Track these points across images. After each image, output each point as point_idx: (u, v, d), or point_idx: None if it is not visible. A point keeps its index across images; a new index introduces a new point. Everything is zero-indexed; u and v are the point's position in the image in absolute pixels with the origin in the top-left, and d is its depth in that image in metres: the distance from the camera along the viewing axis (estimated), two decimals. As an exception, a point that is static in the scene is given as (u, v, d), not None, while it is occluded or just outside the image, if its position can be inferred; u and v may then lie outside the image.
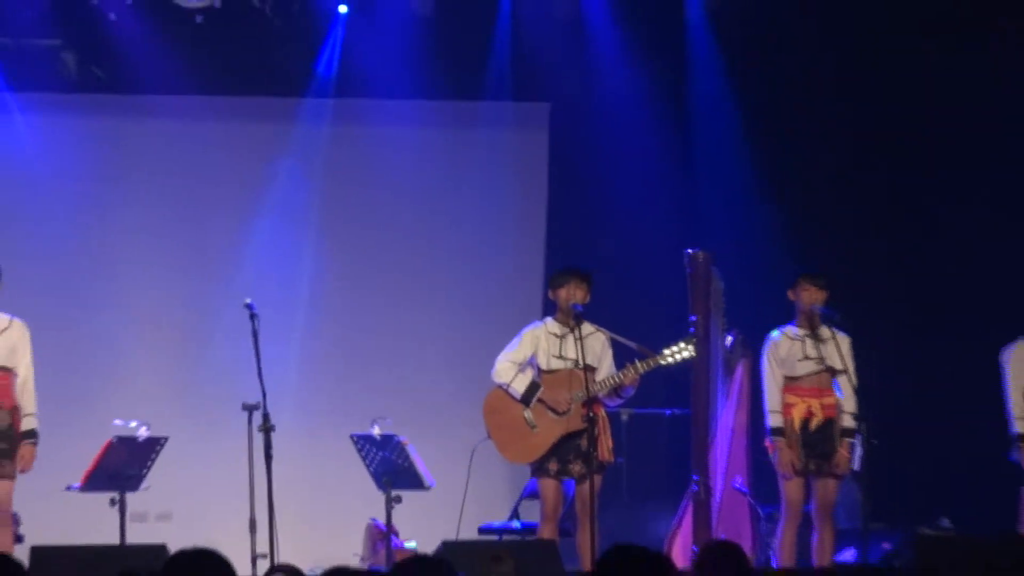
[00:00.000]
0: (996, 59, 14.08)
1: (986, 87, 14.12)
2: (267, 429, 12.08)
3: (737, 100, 14.52)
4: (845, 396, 12.37)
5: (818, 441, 12.30)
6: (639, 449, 13.90)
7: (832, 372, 12.36)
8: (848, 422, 12.35)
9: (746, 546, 13.10)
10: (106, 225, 15.01)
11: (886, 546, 13.36)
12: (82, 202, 14.94)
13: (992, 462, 12.60)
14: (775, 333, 12.51)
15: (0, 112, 14.74)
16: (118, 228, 15.02)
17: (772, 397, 12.40)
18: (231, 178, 15.18)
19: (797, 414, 12.34)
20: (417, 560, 7.23)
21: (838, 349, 12.34)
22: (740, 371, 13.30)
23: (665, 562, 5.22)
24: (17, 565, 5.76)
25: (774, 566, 12.17)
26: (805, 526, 12.39)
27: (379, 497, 12.70)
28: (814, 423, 12.31)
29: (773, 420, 12.37)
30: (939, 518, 13.56)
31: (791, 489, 12.36)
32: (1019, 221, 13.83)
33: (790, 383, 12.37)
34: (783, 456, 12.33)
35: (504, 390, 12.35)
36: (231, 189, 15.16)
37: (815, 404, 12.34)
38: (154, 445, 12.66)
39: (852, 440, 12.41)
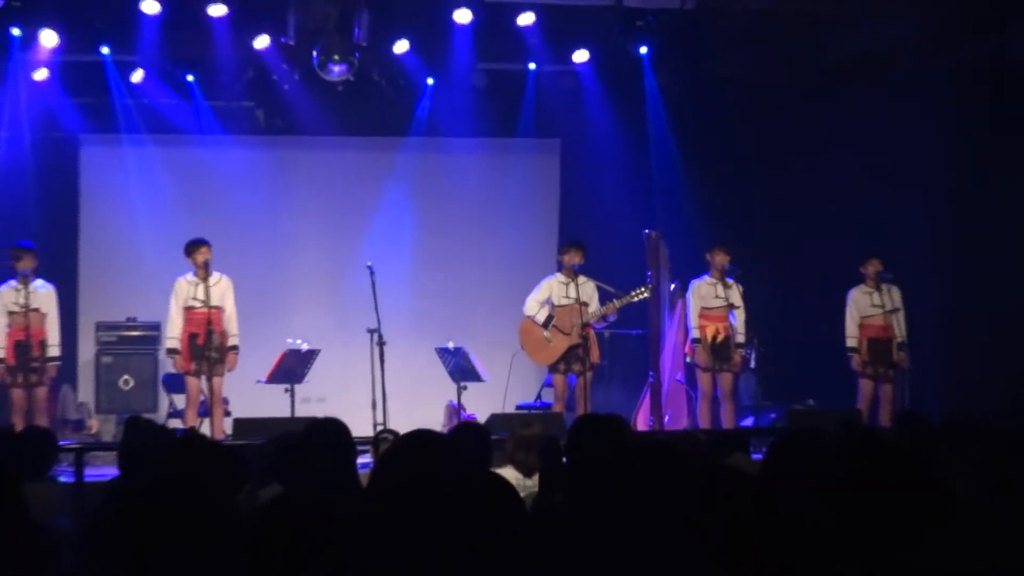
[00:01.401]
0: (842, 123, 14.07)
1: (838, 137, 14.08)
2: (381, 344, 12.33)
3: (675, 137, 14.45)
4: (739, 322, 12.46)
5: (721, 349, 12.36)
6: (616, 355, 13.87)
7: (731, 307, 12.41)
8: (740, 339, 12.49)
9: (683, 416, 13.15)
10: (282, 215, 15.01)
11: (772, 416, 13.30)
12: (266, 201, 14.96)
13: (844, 364, 12.58)
14: (697, 280, 12.58)
15: (218, 147, 14.69)
16: (289, 216, 15.02)
17: (694, 320, 12.48)
18: (358, 186, 15.16)
19: (709, 332, 12.39)
20: (467, 425, 7.27)
21: (737, 292, 12.42)
22: (679, 306, 13.23)
23: (615, 421, 5.19)
24: (220, 445, 5.79)
25: (698, 426, 12.17)
26: (718, 403, 12.44)
27: (453, 387, 12.81)
28: (719, 338, 12.37)
29: (694, 334, 12.46)
30: (807, 399, 13.48)
31: (703, 379, 12.46)
32: (852, 213, 13.79)
33: (705, 312, 12.44)
34: (699, 357, 12.39)
35: (531, 319, 12.41)
36: (359, 192, 15.13)
37: (720, 326, 12.40)
38: (312, 355, 12.85)
39: (743, 351, 12.52)
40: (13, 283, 11.83)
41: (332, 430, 5.21)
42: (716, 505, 2.91)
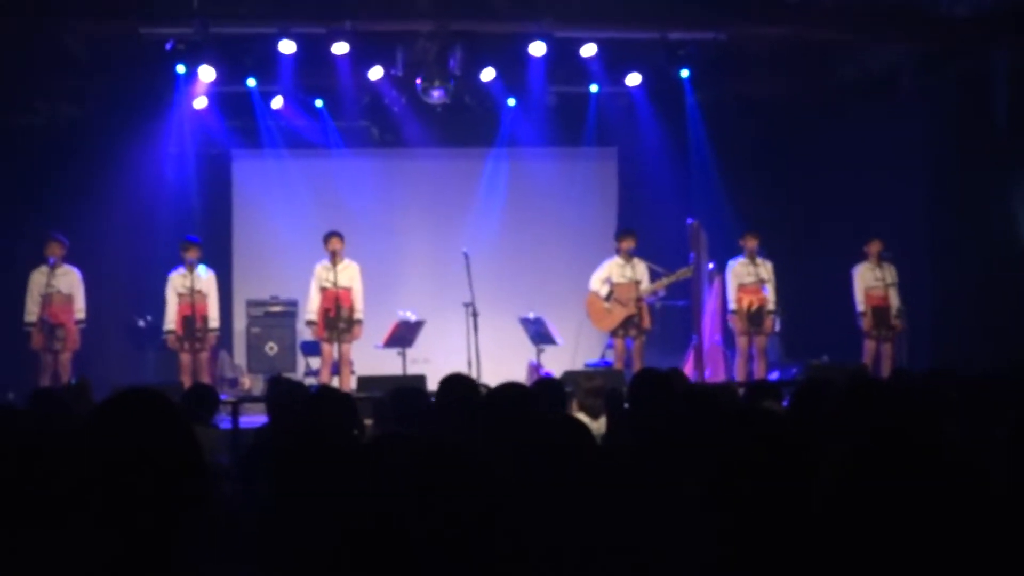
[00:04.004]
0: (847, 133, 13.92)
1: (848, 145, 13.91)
2: (475, 315, 12.32)
3: (711, 144, 14.36)
4: (769, 293, 12.32)
5: (754, 316, 12.24)
6: (665, 322, 13.74)
7: (762, 281, 12.29)
8: (770, 307, 12.33)
9: (720, 371, 13.06)
10: (394, 212, 14.99)
11: (793, 370, 13.18)
12: (381, 201, 14.94)
13: (851, 327, 12.46)
14: (732, 261, 12.47)
15: (342, 159, 14.75)
16: (400, 213, 15.02)
17: (732, 293, 12.36)
18: (455, 187, 15.13)
19: (744, 303, 12.28)
20: (546, 379, 7.27)
21: (766, 269, 12.33)
22: (716, 283, 13.16)
23: (667, 376, 5.20)
24: (346, 395, 5.84)
25: (734, 379, 12.10)
26: (750, 361, 12.34)
27: (533, 349, 12.83)
28: (753, 308, 12.25)
29: (732, 305, 12.35)
30: (822, 355, 13.34)
31: (741, 342, 12.34)
32: (857, 204, 13.63)
33: (741, 287, 12.33)
34: (737, 324, 12.29)
35: (595, 294, 12.37)
36: (455, 193, 15.08)
37: (753, 298, 12.28)
38: (419, 324, 12.87)
39: (773, 316, 12.40)
40: (181, 269, 11.98)
41: (461, 381, 5.21)
42: (752, 438, 2.88)
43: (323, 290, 11.95)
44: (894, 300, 12.28)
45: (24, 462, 2.59)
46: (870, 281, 12.34)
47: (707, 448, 2.63)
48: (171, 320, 11.92)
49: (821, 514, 2.03)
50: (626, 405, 5.17)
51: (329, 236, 12.02)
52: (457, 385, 5.09)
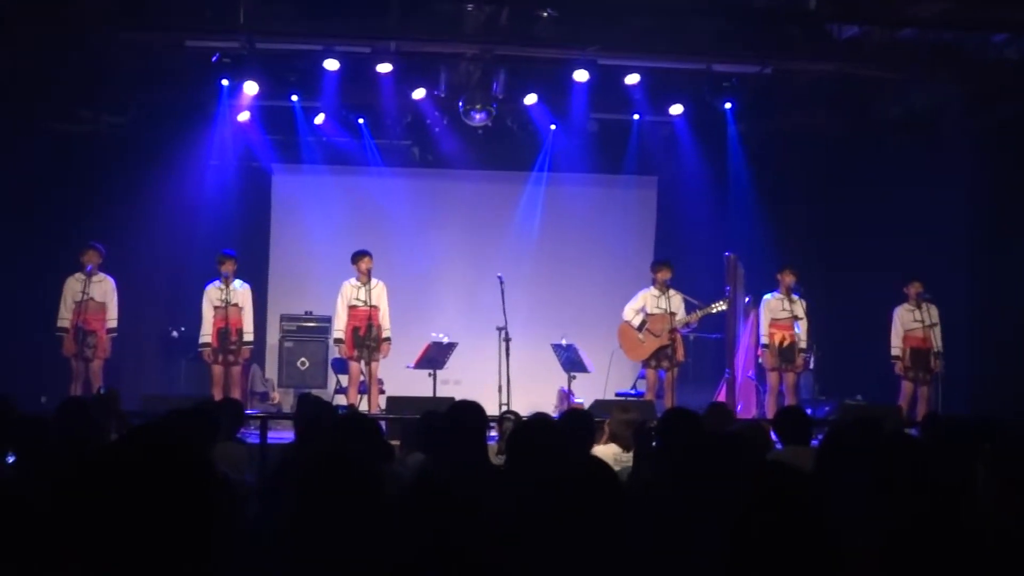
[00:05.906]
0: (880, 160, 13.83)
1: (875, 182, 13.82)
2: (507, 340, 12.28)
3: (751, 176, 14.32)
4: (802, 331, 12.25)
5: (786, 353, 12.17)
6: (698, 355, 13.71)
7: (795, 318, 12.23)
8: (802, 345, 12.25)
9: (752, 406, 12.96)
10: (430, 232, 14.97)
11: (826, 408, 13.09)
12: (419, 221, 14.93)
13: (888, 366, 12.36)
14: (768, 296, 12.42)
15: (381, 177, 14.74)
16: (436, 234, 14.99)
17: (764, 329, 12.29)
18: (493, 210, 15.11)
19: (776, 338, 12.20)
20: (574, 411, 7.21)
21: (801, 306, 12.26)
22: (752, 317, 13.08)
23: (695, 416, 5.16)
24: (372, 421, 5.83)
25: (765, 416, 12.00)
26: (782, 397, 12.24)
27: (564, 376, 12.77)
28: (784, 344, 12.17)
29: (764, 339, 12.27)
30: (856, 395, 13.23)
31: (771, 377, 12.27)
32: (897, 242, 13.54)
33: (774, 322, 12.26)
34: (767, 359, 12.22)
35: (628, 323, 12.34)
36: (493, 216, 15.08)
37: (786, 334, 12.20)
38: (451, 346, 12.81)
39: (805, 354, 12.33)
40: (217, 282, 12.06)
41: (470, 410, 5.21)
42: (767, 494, 2.84)
43: (353, 308, 11.96)
44: (934, 342, 12.16)
45: (44, 490, 2.61)
46: (909, 323, 12.24)
47: (728, 501, 2.61)
48: (207, 333, 11.99)
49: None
50: (654, 443, 5.14)
51: (362, 255, 12.03)
52: (469, 412, 5.09)
